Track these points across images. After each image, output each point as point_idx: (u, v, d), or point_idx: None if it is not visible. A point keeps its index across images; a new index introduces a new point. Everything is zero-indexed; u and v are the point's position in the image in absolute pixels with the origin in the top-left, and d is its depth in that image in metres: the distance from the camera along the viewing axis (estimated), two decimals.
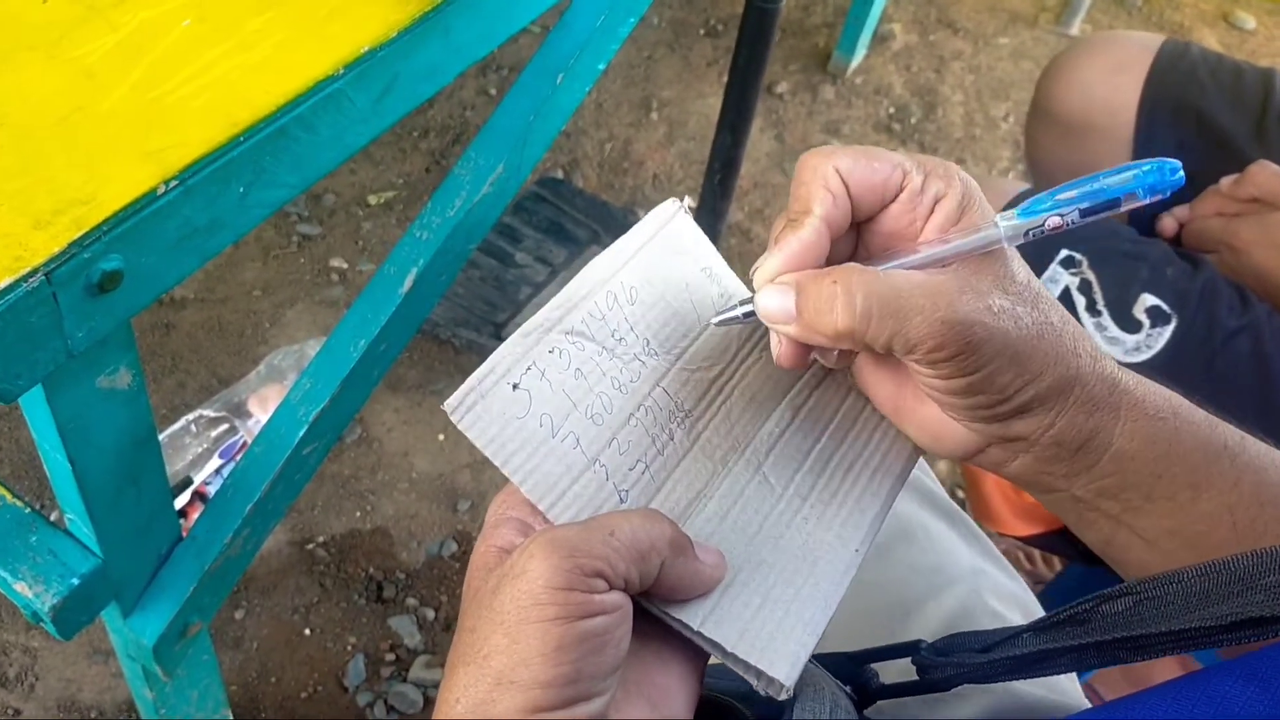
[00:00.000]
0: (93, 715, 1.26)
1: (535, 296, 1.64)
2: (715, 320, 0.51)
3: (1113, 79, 1.08)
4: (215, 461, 1.30)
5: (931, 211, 0.47)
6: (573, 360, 0.49)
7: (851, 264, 0.46)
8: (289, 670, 1.32)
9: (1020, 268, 0.46)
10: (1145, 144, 1.06)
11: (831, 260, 0.48)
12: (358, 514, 1.46)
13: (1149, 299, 0.94)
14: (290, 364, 1.45)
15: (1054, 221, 0.45)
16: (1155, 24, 2.30)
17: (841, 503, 0.52)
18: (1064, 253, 0.96)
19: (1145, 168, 0.43)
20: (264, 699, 1.29)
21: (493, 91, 2.02)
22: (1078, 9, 2.23)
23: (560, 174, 1.92)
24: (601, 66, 0.93)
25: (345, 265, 1.72)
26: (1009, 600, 0.73)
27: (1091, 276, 0.95)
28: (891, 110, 2.13)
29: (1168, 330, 0.93)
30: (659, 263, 0.53)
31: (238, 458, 1.10)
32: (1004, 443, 0.48)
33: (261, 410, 1.40)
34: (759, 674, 0.46)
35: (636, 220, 0.54)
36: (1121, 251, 0.97)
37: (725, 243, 1.80)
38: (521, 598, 0.40)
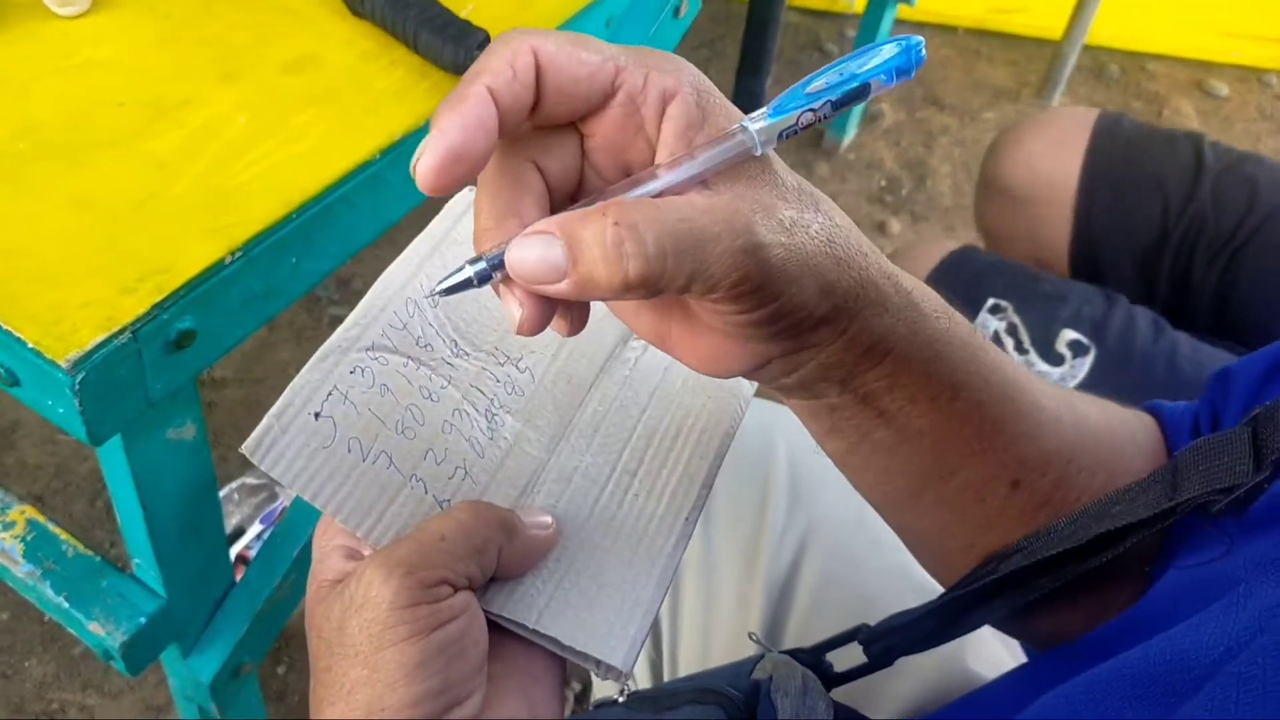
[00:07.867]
0: None
1: None
2: (438, 289, 0.38)
3: (1056, 153, 1.13)
4: (257, 527, 1.36)
5: (662, 115, 0.38)
6: (377, 377, 0.45)
7: (613, 199, 0.37)
8: None
9: (785, 171, 0.40)
10: (1085, 210, 1.10)
11: (553, 205, 0.39)
12: None
13: (1069, 334, 0.98)
14: None
15: (807, 117, 0.39)
16: (1132, 94, 2.38)
17: (671, 470, 0.50)
18: (991, 301, 1.01)
19: (891, 49, 0.39)
20: None
21: None
22: (1057, 83, 2.28)
23: None
24: None
25: None
26: None
27: (1017, 320, 1.00)
28: (883, 183, 2.17)
29: (1088, 360, 0.97)
30: (458, 259, 0.46)
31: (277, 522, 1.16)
32: (790, 355, 0.42)
33: None
34: (598, 663, 0.45)
35: None
36: (1043, 294, 1.02)
37: None
38: (370, 625, 0.38)
